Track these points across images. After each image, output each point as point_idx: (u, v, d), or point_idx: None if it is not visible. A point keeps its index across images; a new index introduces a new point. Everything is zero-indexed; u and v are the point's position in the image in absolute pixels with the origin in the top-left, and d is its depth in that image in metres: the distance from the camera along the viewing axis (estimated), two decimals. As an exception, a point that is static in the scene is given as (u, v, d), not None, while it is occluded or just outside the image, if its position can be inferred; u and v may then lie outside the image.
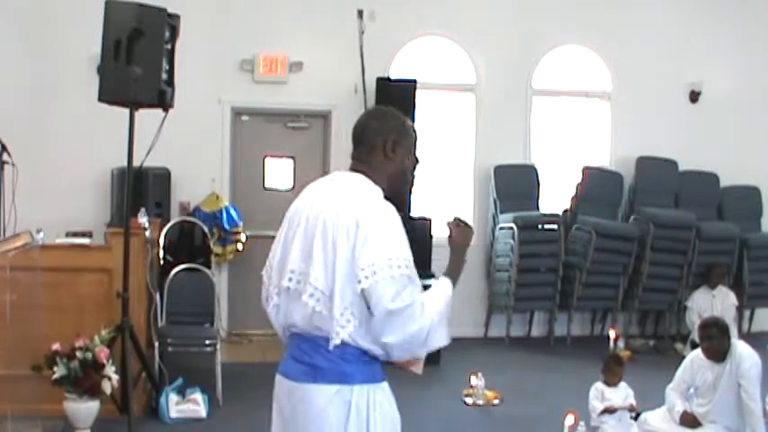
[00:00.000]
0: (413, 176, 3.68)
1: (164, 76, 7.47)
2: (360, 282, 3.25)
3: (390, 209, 3.39)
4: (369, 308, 3.28)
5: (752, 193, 12.91)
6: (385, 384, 3.50)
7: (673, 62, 12.64)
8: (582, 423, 7.10)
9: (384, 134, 3.53)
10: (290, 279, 3.45)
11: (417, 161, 3.66)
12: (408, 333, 3.27)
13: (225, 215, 10.79)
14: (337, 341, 3.33)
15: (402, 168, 3.58)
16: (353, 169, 3.55)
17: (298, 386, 3.41)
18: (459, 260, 3.75)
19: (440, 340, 3.38)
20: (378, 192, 3.48)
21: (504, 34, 12.14)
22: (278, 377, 3.55)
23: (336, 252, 3.31)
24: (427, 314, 3.31)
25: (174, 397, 7.86)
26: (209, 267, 9.73)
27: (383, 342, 3.30)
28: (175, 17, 7.60)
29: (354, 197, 3.40)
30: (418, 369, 3.61)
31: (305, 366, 3.40)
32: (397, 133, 3.55)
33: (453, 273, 3.67)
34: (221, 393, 8.32)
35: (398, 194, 3.63)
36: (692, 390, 7.36)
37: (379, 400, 3.41)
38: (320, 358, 3.37)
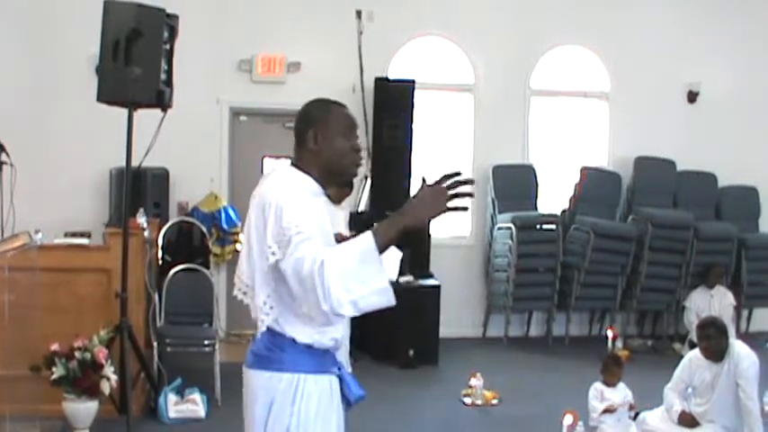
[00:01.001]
0: (355, 161, 3.65)
1: (162, 76, 7.47)
2: (268, 259, 3.33)
3: (294, 190, 3.43)
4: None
5: (750, 193, 12.92)
6: (323, 377, 3.49)
7: (671, 62, 12.66)
8: (580, 423, 7.13)
9: (306, 127, 3.58)
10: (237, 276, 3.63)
11: (355, 146, 3.63)
12: (305, 285, 3.18)
13: (223, 215, 10.80)
14: (263, 328, 3.45)
15: (333, 155, 3.57)
16: (292, 164, 3.62)
17: (245, 370, 3.56)
18: (400, 222, 3.25)
19: (364, 298, 3.15)
20: (301, 179, 3.53)
21: (503, 34, 12.15)
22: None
23: (251, 244, 3.45)
24: (321, 266, 3.12)
25: (172, 397, 7.87)
26: (208, 267, 9.74)
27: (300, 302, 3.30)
28: (174, 17, 7.60)
29: (266, 189, 3.47)
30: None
31: (250, 353, 3.55)
32: (317, 123, 3.57)
33: (382, 228, 3.22)
34: (220, 393, 8.31)
35: (342, 180, 3.73)
36: (690, 389, 7.38)
37: (308, 391, 3.43)
38: (258, 346, 3.51)
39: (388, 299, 3.20)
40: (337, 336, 3.51)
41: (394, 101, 10.95)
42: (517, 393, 9.06)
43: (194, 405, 7.91)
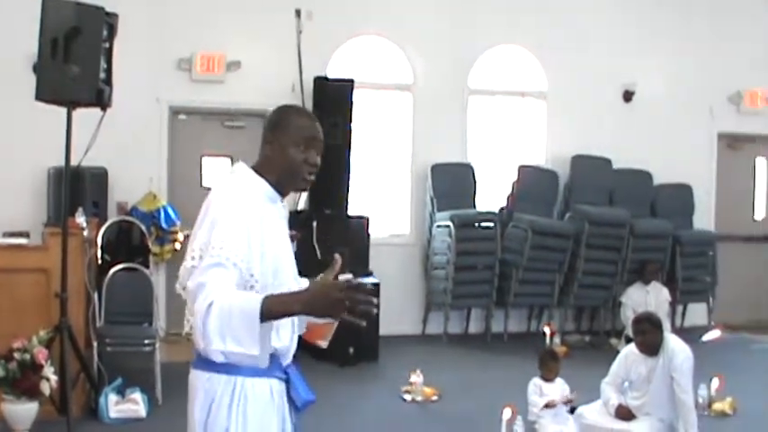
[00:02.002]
0: (304, 174, 3.59)
1: (102, 74, 7.42)
2: (187, 261, 3.34)
3: (235, 199, 3.40)
4: None
5: (684, 190, 13.12)
6: (263, 381, 3.45)
7: (607, 62, 12.81)
8: (519, 417, 7.20)
9: (266, 131, 3.57)
10: None
11: (308, 159, 3.56)
12: (193, 313, 3.22)
13: (162, 214, 10.76)
14: (186, 328, 3.38)
15: (285, 163, 3.54)
16: (252, 165, 3.60)
17: (191, 370, 3.49)
18: (293, 306, 3.20)
19: (218, 342, 3.15)
20: (257, 184, 3.51)
21: (441, 34, 12.23)
22: None
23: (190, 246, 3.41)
24: (214, 297, 3.14)
25: (113, 397, 7.83)
26: (148, 267, 9.68)
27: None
28: (113, 16, 7.56)
29: (218, 193, 3.45)
30: (323, 342, 3.57)
31: (195, 353, 3.45)
32: (276, 129, 3.56)
33: (274, 301, 3.17)
34: (161, 393, 8.30)
35: (293, 187, 3.65)
36: (626, 383, 7.47)
37: (246, 394, 3.39)
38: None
39: (255, 363, 3.30)
40: (278, 345, 3.48)
41: (333, 100, 10.95)
42: (457, 389, 9.12)
43: (135, 405, 7.87)
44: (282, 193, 3.58)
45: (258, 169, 3.55)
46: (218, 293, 3.15)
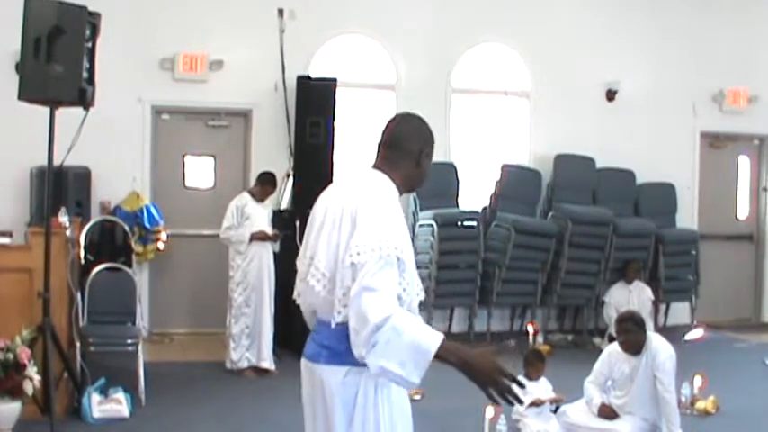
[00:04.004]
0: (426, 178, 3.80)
1: (84, 74, 7.40)
2: (351, 256, 3.35)
3: (392, 200, 3.54)
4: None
5: (667, 189, 13.18)
6: None
7: (590, 61, 12.86)
8: (502, 416, 7.21)
9: (420, 144, 3.70)
10: (302, 263, 3.64)
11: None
12: (362, 315, 3.25)
13: (146, 214, 10.76)
14: (339, 319, 3.43)
15: (425, 174, 3.74)
16: (377, 167, 3.67)
17: (315, 367, 3.54)
18: (460, 360, 3.38)
19: (392, 374, 3.26)
20: (391, 189, 3.62)
21: (424, 33, 12.24)
22: (303, 361, 3.67)
23: (340, 237, 3.45)
24: (391, 312, 3.24)
25: (96, 397, 7.81)
26: (131, 266, 9.68)
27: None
28: (96, 15, 7.54)
29: (364, 189, 3.54)
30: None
31: (319, 347, 3.54)
32: (431, 145, 3.73)
33: (450, 348, 3.36)
34: (144, 392, 8.28)
35: (405, 192, 3.75)
36: (609, 382, 7.50)
37: (386, 383, 3.47)
38: (330, 340, 3.49)
39: (408, 387, 3.41)
40: None
41: (316, 99, 10.94)
42: (439, 388, 9.01)
43: (118, 404, 7.85)
44: (400, 193, 3.70)
45: (388, 172, 3.67)
46: (397, 310, 3.27)
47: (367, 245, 3.33)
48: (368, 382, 3.45)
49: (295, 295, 3.78)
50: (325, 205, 3.63)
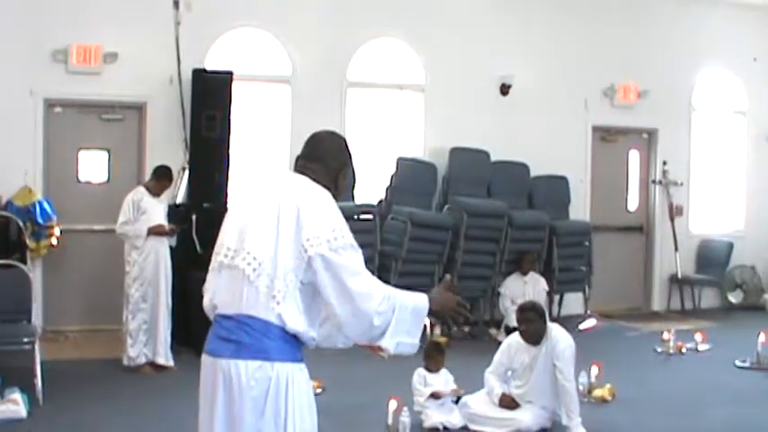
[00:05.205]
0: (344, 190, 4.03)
1: (-26, 66, 7.27)
2: (306, 251, 3.47)
3: (328, 195, 3.70)
4: (317, 277, 3.49)
5: (560, 182, 13.39)
6: (303, 366, 3.61)
7: (484, 56, 12.99)
8: (405, 408, 7.24)
9: (340, 162, 3.95)
10: (225, 255, 3.64)
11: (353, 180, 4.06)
12: (361, 310, 3.48)
13: (38, 209, 10.53)
14: (267, 315, 3.49)
15: (339, 191, 3.91)
16: (301, 172, 3.84)
17: (224, 362, 3.53)
18: (436, 304, 3.74)
19: (403, 344, 3.60)
20: (323, 188, 3.77)
21: (319, 26, 12.23)
22: (204, 357, 3.66)
23: (279, 228, 3.53)
24: (383, 293, 3.52)
25: (-8, 397, 7.67)
26: (25, 263, 9.50)
27: (335, 313, 3.50)
28: (-14, 6, 7.39)
29: (301, 186, 3.73)
30: (385, 353, 3.70)
31: (230, 343, 3.53)
32: (349, 165, 3.98)
33: (430, 299, 3.72)
34: (41, 392, 8.11)
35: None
36: (509, 372, 7.61)
37: (297, 378, 3.53)
38: (244, 335, 3.51)
39: (414, 349, 3.67)
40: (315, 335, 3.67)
41: (211, 92, 10.86)
42: (341, 382, 9.11)
43: (15, 405, 7.67)
44: None
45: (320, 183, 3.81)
46: (385, 289, 3.55)
47: (321, 236, 3.49)
48: (280, 375, 3.48)
49: (204, 288, 3.77)
50: (253, 200, 3.75)
